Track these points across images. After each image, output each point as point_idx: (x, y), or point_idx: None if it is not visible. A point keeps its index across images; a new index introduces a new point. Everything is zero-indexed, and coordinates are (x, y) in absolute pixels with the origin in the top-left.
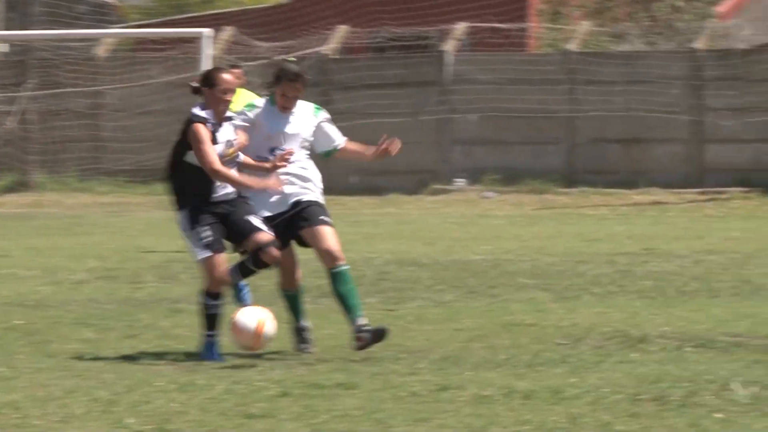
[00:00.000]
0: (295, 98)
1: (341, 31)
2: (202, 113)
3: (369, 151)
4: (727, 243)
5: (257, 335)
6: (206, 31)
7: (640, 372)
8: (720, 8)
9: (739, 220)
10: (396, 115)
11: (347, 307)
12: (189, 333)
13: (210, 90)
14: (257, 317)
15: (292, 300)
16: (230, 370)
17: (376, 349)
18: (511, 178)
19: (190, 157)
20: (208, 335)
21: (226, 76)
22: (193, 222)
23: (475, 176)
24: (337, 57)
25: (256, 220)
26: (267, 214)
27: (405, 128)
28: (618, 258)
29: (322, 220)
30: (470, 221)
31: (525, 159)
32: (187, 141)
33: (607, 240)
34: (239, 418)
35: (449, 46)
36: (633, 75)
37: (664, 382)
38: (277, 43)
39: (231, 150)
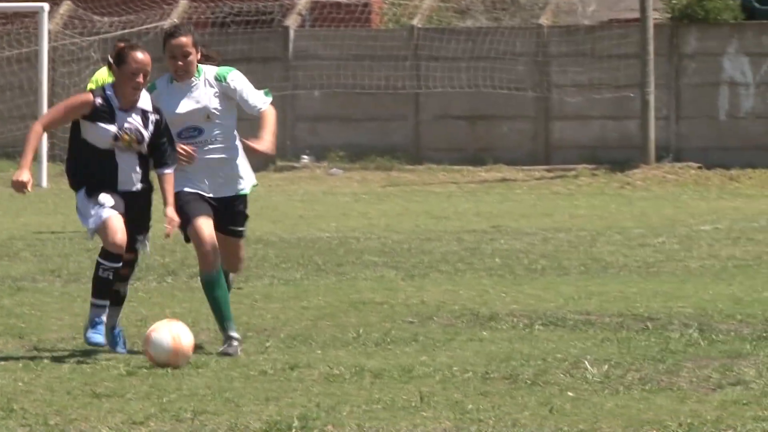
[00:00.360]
0: (186, 59)
1: (182, 5)
2: (105, 91)
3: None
4: (574, 220)
5: (175, 352)
6: (44, 5)
7: (490, 350)
8: None
9: (586, 197)
10: None
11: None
12: (32, 311)
13: (119, 69)
14: (172, 332)
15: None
16: (76, 349)
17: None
18: (356, 155)
19: (88, 135)
20: (95, 304)
21: (139, 55)
22: (90, 194)
23: (320, 153)
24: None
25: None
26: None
27: None
28: (466, 236)
29: (241, 232)
30: (316, 199)
31: (371, 136)
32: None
33: (454, 217)
34: (86, 398)
35: (292, 22)
36: (478, 51)
37: (514, 360)
38: (116, 18)
39: (125, 138)
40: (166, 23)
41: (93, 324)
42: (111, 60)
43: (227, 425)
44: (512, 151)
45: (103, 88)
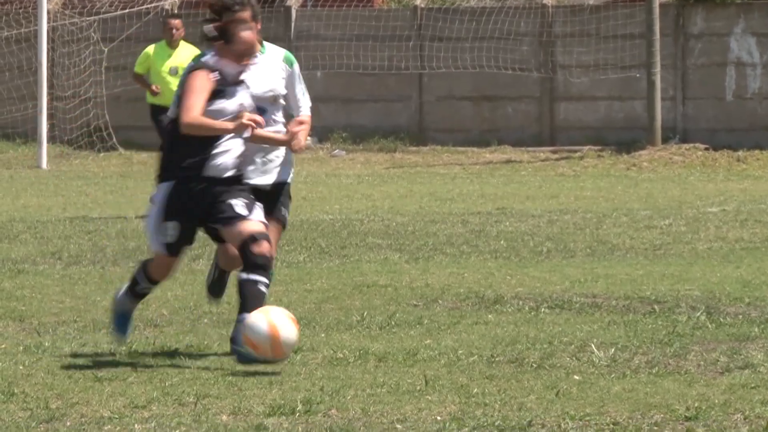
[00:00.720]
0: (252, 35)
1: None
2: (212, 60)
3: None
4: (580, 202)
5: (275, 341)
6: None
7: (495, 333)
8: None
9: (592, 178)
10: None
11: None
12: (32, 294)
13: (227, 45)
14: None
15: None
16: (77, 332)
17: (226, 310)
18: (360, 136)
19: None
20: (130, 301)
21: (247, 34)
22: (167, 208)
23: (323, 135)
24: (179, 13)
25: (244, 208)
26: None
27: None
28: (470, 218)
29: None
30: (319, 180)
31: (374, 117)
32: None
33: (459, 199)
34: (88, 381)
35: (293, 1)
36: (482, 31)
37: (520, 343)
38: None
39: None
40: (167, 3)
41: (123, 317)
42: (214, 33)
43: (230, 409)
44: (517, 133)
45: (203, 59)
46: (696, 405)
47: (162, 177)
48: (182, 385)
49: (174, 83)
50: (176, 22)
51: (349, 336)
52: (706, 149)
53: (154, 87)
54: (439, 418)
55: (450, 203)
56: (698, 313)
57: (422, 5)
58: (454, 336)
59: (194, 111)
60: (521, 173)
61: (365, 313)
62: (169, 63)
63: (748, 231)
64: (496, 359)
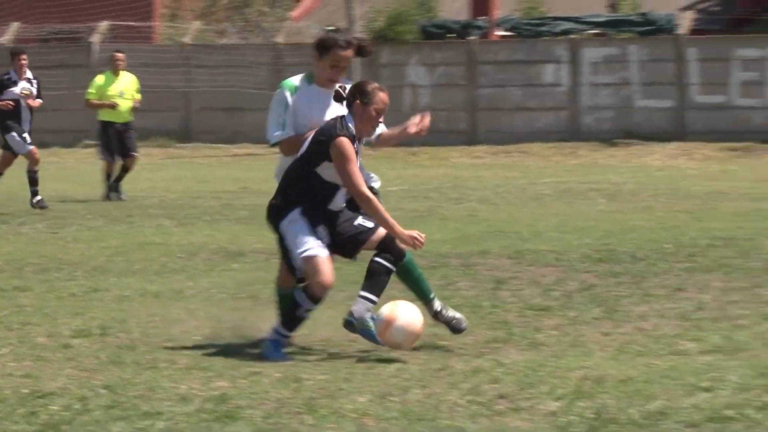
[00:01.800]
0: (344, 69)
1: (15, 25)
2: (352, 126)
3: (403, 129)
4: None
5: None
6: None
7: (239, 278)
8: (294, 12)
9: None
10: (59, 89)
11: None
12: None
13: (364, 106)
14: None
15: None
16: None
17: (42, 260)
18: (143, 136)
19: (324, 170)
20: (285, 336)
21: (384, 96)
22: (310, 219)
23: None
24: (15, 47)
25: (367, 222)
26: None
27: (65, 99)
28: (222, 195)
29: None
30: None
31: (154, 122)
32: (323, 153)
33: (214, 181)
34: None
35: (95, 39)
36: (232, 61)
37: (257, 284)
38: None
39: None
40: (3, 39)
41: (277, 345)
42: (351, 95)
43: (46, 332)
44: (257, 135)
45: (347, 126)
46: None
47: (288, 207)
48: (12, 316)
49: (122, 104)
50: (121, 55)
51: (133, 280)
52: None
53: (111, 102)
54: (197, 338)
55: (207, 184)
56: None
57: (189, 42)
58: (209, 279)
59: (362, 183)
60: (259, 163)
61: (145, 264)
62: (116, 87)
63: (419, 204)
64: (240, 296)
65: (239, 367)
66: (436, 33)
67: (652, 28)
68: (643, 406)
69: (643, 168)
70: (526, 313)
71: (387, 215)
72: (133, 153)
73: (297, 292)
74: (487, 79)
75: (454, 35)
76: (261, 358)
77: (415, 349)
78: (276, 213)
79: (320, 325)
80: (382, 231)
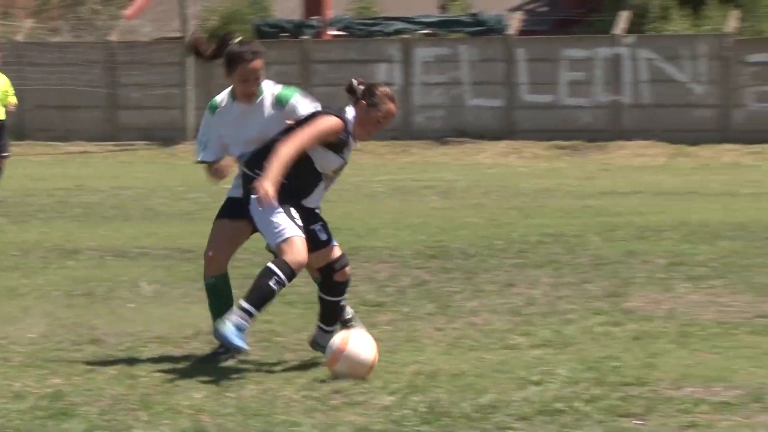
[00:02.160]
0: (258, 82)
1: None
2: (350, 117)
3: None
4: (136, 181)
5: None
6: None
7: (74, 275)
8: (128, 11)
9: (144, 165)
10: None
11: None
12: None
13: (368, 108)
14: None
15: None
16: None
17: None
18: None
19: (316, 155)
20: (250, 313)
21: (393, 107)
22: (282, 201)
23: None
24: None
25: (322, 234)
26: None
27: None
28: (57, 192)
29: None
30: None
31: None
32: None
33: (48, 179)
34: None
35: None
36: (65, 59)
37: (92, 281)
38: None
39: (335, 170)
40: None
41: (241, 328)
42: (359, 93)
43: None
44: (91, 132)
45: (344, 113)
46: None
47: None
48: None
49: None
50: None
51: None
52: None
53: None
54: (32, 336)
55: (41, 182)
56: None
57: (21, 39)
58: (44, 277)
59: (298, 146)
60: (93, 161)
61: None
62: None
63: None
64: (74, 293)
65: (74, 365)
66: (270, 32)
67: (482, 29)
68: (475, 400)
69: (475, 166)
70: (361, 309)
71: (280, 164)
72: (5, 153)
73: (271, 262)
74: (320, 77)
75: (288, 34)
76: (217, 337)
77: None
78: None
79: (155, 321)
80: (332, 251)
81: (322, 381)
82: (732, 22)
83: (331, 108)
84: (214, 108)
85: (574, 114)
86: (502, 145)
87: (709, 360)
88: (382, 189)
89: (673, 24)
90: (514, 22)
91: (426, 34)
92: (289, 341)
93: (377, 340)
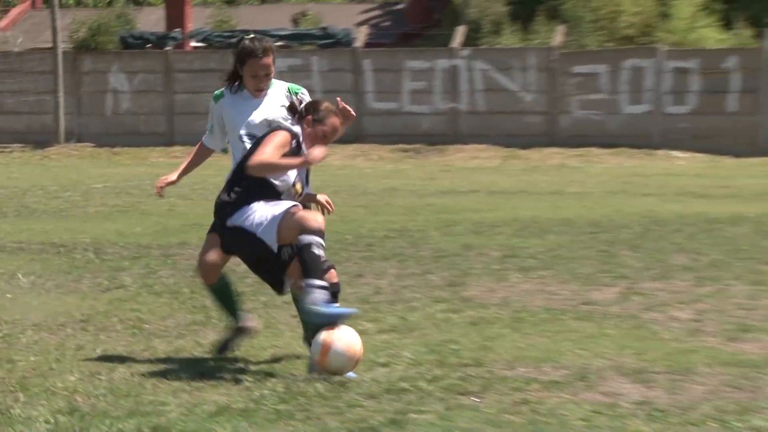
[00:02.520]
0: (267, 77)
1: None
2: (300, 131)
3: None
4: (11, 181)
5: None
6: None
7: None
8: (1, 23)
9: (19, 166)
10: None
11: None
12: None
13: (314, 123)
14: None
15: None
16: None
17: None
18: None
19: None
20: (319, 286)
21: (337, 122)
22: (261, 202)
23: None
24: None
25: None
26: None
27: None
28: None
29: None
30: None
31: None
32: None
33: None
34: None
35: None
36: None
37: None
38: None
39: (297, 188)
40: None
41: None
42: (301, 109)
43: None
44: None
45: (295, 132)
46: (87, 312)
47: (238, 204)
48: None
49: None
50: None
51: None
52: (94, 147)
53: None
54: None
55: None
56: (89, 253)
57: None
58: None
59: (266, 159)
60: None
61: None
62: None
63: (121, 199)
64: None
65: None
66: (135, 43)
67: (331, 41)
68: (328, 380)
69: (325, 167)
70: None
71: (284, 161)
72: None
73: (297, 240)
74: (182, 85)
75: (152, 45)
76: (317, 324)
77: (115, 331)
78: (224, 209)
79: (31, 310)
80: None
81: (188, 364)
82: (558, 36)
83: (282, 124)
84: (218, 97)
85: (416, 120)
86: (351, 148)
87: (539, 343)
88: None
89: (505, 38)
90: (361, 36)
91: (280, 46)
92: (156, 328)
93: None
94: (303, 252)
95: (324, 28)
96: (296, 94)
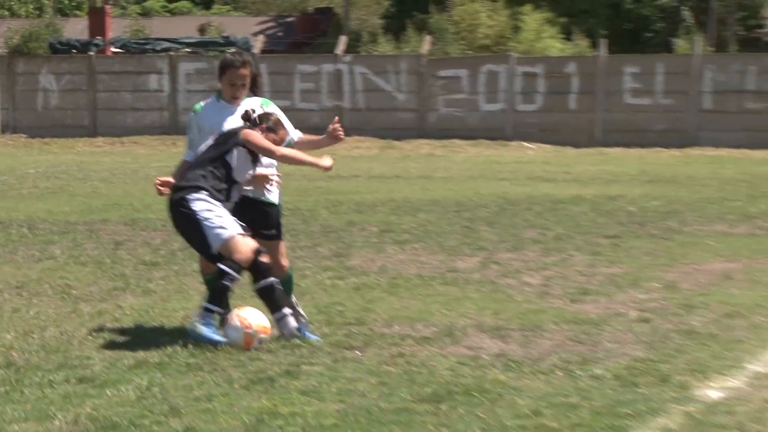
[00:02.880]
0: (244, 86)
1: None
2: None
3: (322, 138)
4: None
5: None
6: None
7: None
8: None
9: None
10: None
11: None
12: None
13: (267, 131)
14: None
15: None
16: None
17: None
18: None
19: (233, 160)
20: (214, 310)
21: (285, 133)
22: (214, 200)
23: None
24: None
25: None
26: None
27: None
28: None
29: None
30: None
31: None
32: (232, 137)
33: None
34: None
35: None
36: None
37: None
38: None
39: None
40: None
41: (208, 324)
42: (256, 119)
43: None
44: None
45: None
46: (21, 279)
47: (191, 189)
48: None
49: None
50: None
51: None
52: (27, 137)
53: None
54: None
55: None
56: (24, 228)
57: None
58: None
59: (276, 149)
60: None
61: None
62: None
63: (51, 182)
64: None
65: None
66: (62, 49)
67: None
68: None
69: None
70: (140, 268)
71: (303, 156)
72: None
73: (219, 265)
74: (104, 85)
75: (77, 51)
76: (194, 338)
77: (46, 296)
78: (179, 200)
79: None
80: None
81: (110, 324)
82: (426, 45)
83: (241, 127)
84: (197, 109)
85: (306, 116)
86: None
87: (412, 305)
88: (155, 173)
89: (381, 46)
90: (258, 43)
91: (188, 52)
92: (82, 293)
93: (154, 292)
94: (219, 276)
95: (226, 37)
96: (267, 105)
